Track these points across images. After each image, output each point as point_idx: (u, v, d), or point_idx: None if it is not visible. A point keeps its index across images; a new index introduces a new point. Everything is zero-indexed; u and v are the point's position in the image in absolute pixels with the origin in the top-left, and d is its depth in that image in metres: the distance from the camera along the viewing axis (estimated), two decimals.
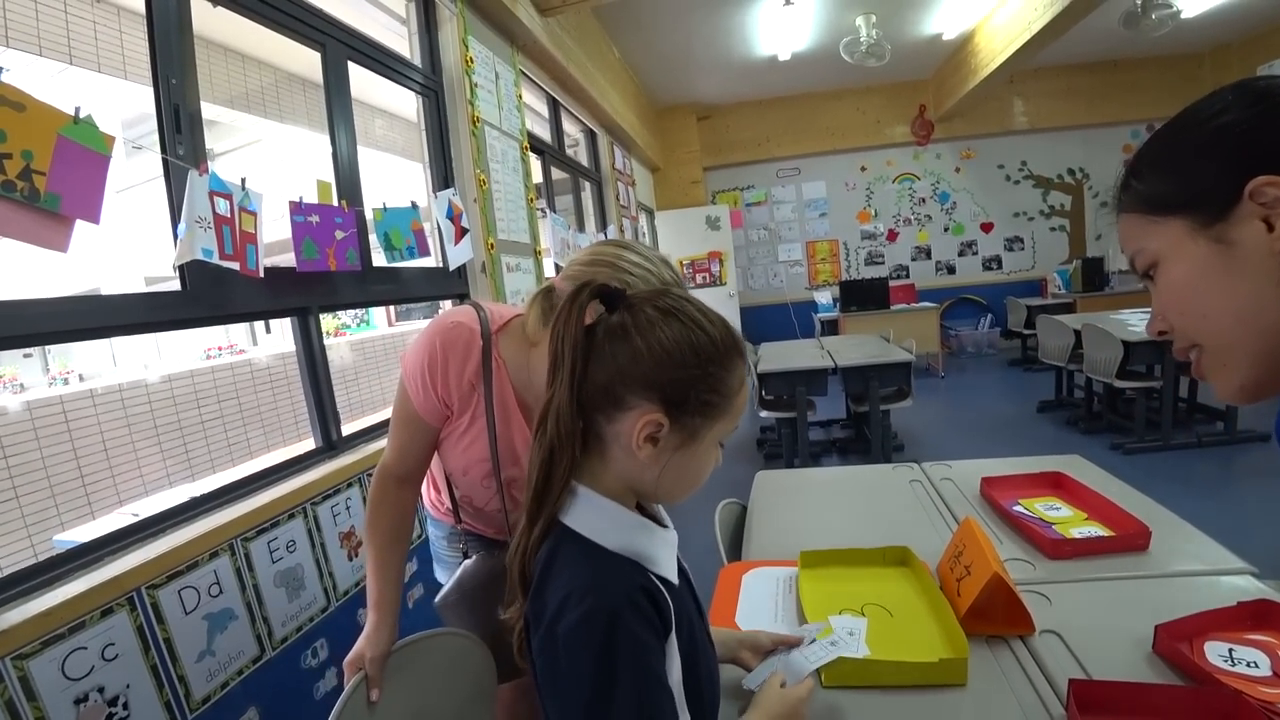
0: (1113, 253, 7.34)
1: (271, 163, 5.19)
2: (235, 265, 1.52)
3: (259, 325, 9.98)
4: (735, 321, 7.33)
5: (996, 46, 5.30)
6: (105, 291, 1.48)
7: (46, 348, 11.74)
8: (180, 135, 1.55)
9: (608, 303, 0.70)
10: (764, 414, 4.11)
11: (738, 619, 1.09)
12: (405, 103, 2.79)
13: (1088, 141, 7.35)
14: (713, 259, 7.39)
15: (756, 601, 1.14)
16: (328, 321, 9.59)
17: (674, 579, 0.70)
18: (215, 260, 1.46)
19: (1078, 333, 4.22)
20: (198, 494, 1.54)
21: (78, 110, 1.23)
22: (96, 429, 2.91)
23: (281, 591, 1.55)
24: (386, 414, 1.28)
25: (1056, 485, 1.49)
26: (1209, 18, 5.70)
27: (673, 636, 0.66)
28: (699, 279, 7.38)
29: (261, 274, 1.61)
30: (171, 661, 1.27)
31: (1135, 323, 4.08)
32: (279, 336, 9.80)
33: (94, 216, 1.26)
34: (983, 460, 1.73)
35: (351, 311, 9.36)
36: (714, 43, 5.50)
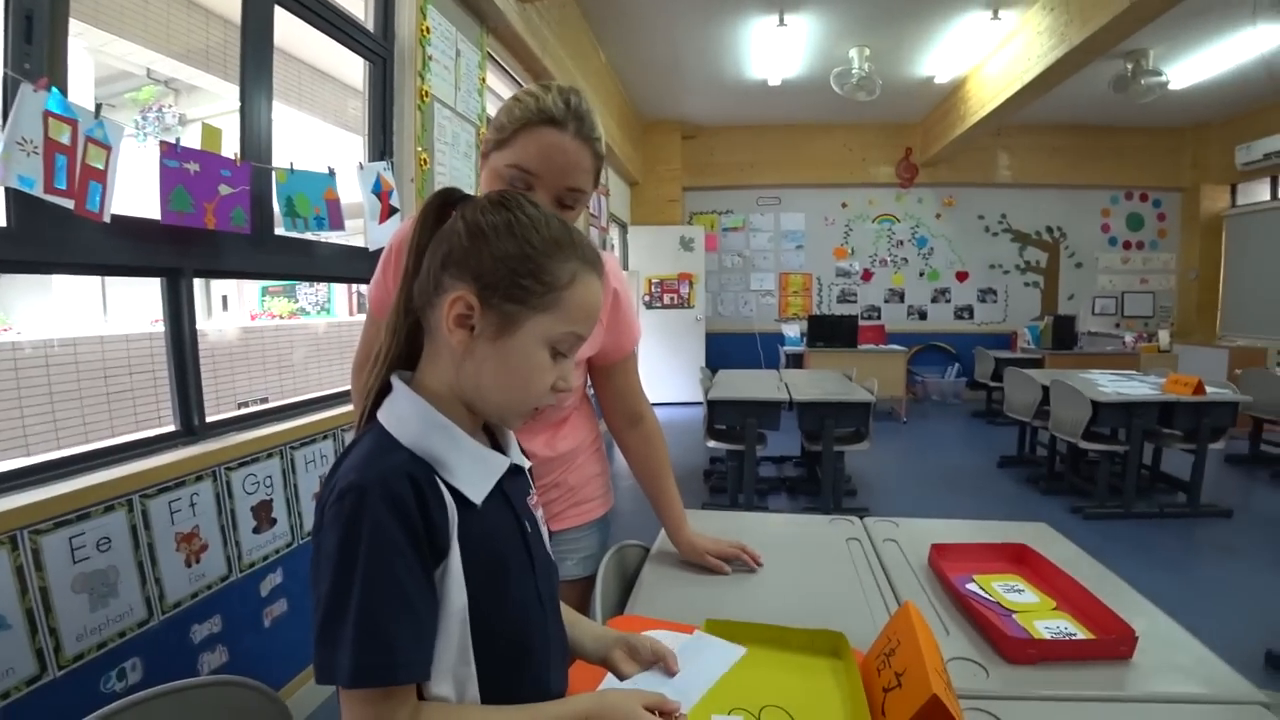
0: (1084, 313, 7.34)
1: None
2: (68, 203, 1.28)
3: (215, 290, 9.58)
4: (700, 348, 7.19)
5: (987, 95, 5.26)
6: None
7: None
8: (29, 46, 1.31)
9: (456, 206, 0.67)
10: (711, 444, 3.90)
11: (601, 688, 0.84)
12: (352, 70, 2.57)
13: (1068, 201, 7.36)
14: (683, 280, 7.25)
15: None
16: (282, 304, 9.23)
17: (474, 498, 0.63)
18: (37, 192, 1.22)
19: (1046, 389, 4.10)
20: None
21: None
22: None
23: (82, 599, 1.29)
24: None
25: (1019, 560, 1.24)
26: (1195, 93, 5.74)
27: (454, 557, 0.59)
28: (667, 299, 7.23)
29: (107, 219, 1.36)
30: None
31: (1105, 383, 3.96)
32: (235, 311, 9.41)
33: None
34: (934, 521, 1.50)
35: (314, 300, 9.02)
36: (705, 59, 5.38)
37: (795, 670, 0.89)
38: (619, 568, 1.27)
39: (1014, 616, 1.04)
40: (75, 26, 1.43)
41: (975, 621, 1.02)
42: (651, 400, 1.27)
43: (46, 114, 1.24)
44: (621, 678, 0.77)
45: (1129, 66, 4.96)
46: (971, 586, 1.14)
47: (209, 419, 1.75)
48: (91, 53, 3.57)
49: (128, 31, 3.59)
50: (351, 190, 2.21)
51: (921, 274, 7.66)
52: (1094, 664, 0.92)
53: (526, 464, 0.76)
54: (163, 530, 1.46)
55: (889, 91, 5.44)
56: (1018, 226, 7.48)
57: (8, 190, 1.24)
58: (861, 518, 1.51)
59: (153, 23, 3.69)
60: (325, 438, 2.05)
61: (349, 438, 0.67)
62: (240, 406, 2.06)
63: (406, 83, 2.53)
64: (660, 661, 0.79)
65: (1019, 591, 1.13)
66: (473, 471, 0.64)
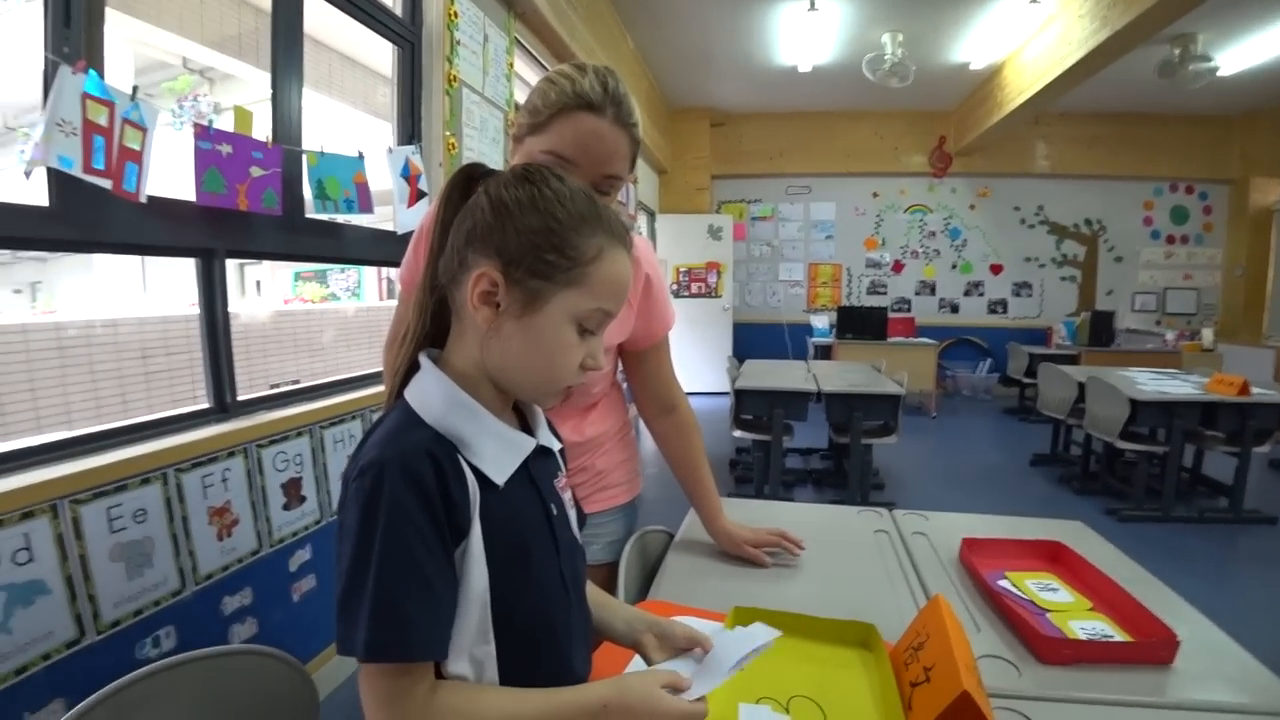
0: (1123, 309, 7.13)
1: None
2: (106, 183, 1.31)
3: (249, 275, 9.79)
4: (727, 338, 7.14)
5: (1025, 81, 5.11)
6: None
7: (36, 284, 11.60)
8: (69, 30, 1.34)
9: (481, 181, 0.66)
10: (738, 434, 3.89)
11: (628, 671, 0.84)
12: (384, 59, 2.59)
13: (1108, 193, 7.14)
14: (710, 269, 7.19)
15: None
16: (314, 289, 9.41)
17: (496, 478, 0.62)
18: (76, 172, 1.25)
19: (1081, 385, 4.00)
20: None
21: None
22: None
23: (119, 567, 1.33)
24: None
25: (1054, 558, 1.20)
26: (1245, 80, 5.51)
27: (475, 536, 0.59)
28: (694, 288, 7.18)
29: (143, 199, 1.40)
30: None
31: (1145, 381, 3.84)
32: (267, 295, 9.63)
33: None
34: (966, 515, 1.45)
35: (344, 285, 9.17)
36: (734, 45, 5.31)
37: (824, 661, 0.88)
38: (641, 554, 1.26)
39: (1048, 616, 1.00)
40: (113, 17, 1.46)
41: (1007, 619, 0.99)
42: None
43: (85, 96, 1.27)
44: (650, 664, 0.74)
45: (1175, 52, 4.78)
46: (1004, 583, 1.11)
47: (241, 398, 1.79)
48: (131, 44, 3.65)
49: (164, 20, 3.66)
50: (381, 176, 2.23)
51: (954, 266, 7.50)
52: (1131, 668, 0.88)
53: (557, 445, 0.75)
54: (196, 504, 1.50)
55: (922, 78, 5.32)
56: (1055, 219, 7.27)
57: (49, 171, 1.28)
58: (890, 510, 1.48)
59: (187, 11, 3.76)
60: (354, 418, 2.08)
61: (377, 417, 0.67)
62: (272, 388, 2.10)
63: (434, 67, 2.55)
64: (694, 648, 0.74)
65: (1054, 590, 1.09)
66: (496, 451, 0.63)
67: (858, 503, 3.54)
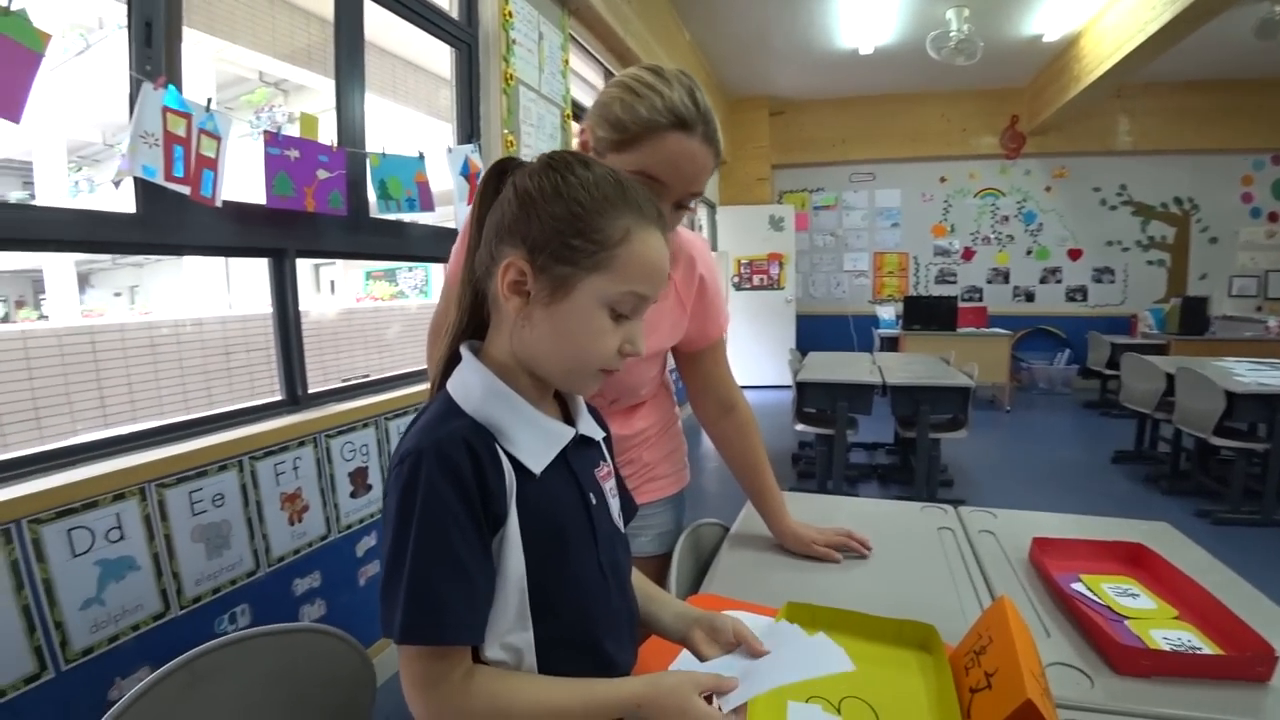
0: (1219, 295, 6.64)
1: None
2: (185, 189, 1.40)
3: (324, 276, 10.26)
4: (790, 330, 7.03)
5: (1104, 51, 4.80)
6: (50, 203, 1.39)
7: (135, 288, 12.47)
8: (150, 50, 1.43)
9: (510, 174, 0.67)
10: (800, 427, 3.82)
11: (673, 668, 0.80)
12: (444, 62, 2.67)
13: (1199, 169, 6.64)
14: (773, 261, 7.08)
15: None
16: (383, 288, 9.76)
17: (534, 468, 0.63)
18: (159, 180, 1.34)
19: (1170, 377, 3.74)
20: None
21: (9, 2, 1.13)
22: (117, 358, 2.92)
23: (200, 547, 1.42)
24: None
25: (1134, 561, 1.10)
26: None
27: (512, 525, 0.60)
28: (756, 280, 7.09)
29: (219, 204, 1.48)
30: (49, 605, 1.16)
31: (1243, 372, 3.55)
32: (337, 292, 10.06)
33: (14, 115, 1.15)
34: (1037, 513, 1.37)
35: (412, 283, 9.48)
36: (792, 31, 5.21)
37: (879, 661, 0.83)
38: (694, 547, 1.26)
39: (1126, 623, 0.92)
40: (195, 36, 1.56)
41: (1080, 625, 0.92)
42: (739, 384, 1.23)
43: (165, 109, 1.36)
44: (702, 659, 0.72)
45: (1276, 9, 4.40)
46: (1078, 586, 1.03)
47: (311, 390, 1.88)
48: (213, 60, 3.90)
49: (239, 37, 3.88)
50: (443, 176, 2.30)
51: (1029, 252, 7.15)
52: (1221, 684, 0.80)
53: (599, 434, 0.75)
54: (269, 490, 1.59)
55: (991, 54, 5.09)
56: (1140, 198, 6.82)
57: (135, 180, 1.38)
58: (956, 507, 1.42)
59: (260, 27, 3.96)
60: (417, 410, 2.15)
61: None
62: (344, 382, 2.19)
63: (491, 67, 2.60)
64: (743, 645, 0.72)
65: (1133, 596, 1.00)
66: (533, 441, 0.64)
67: (925, 498, 3.45)
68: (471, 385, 0.64)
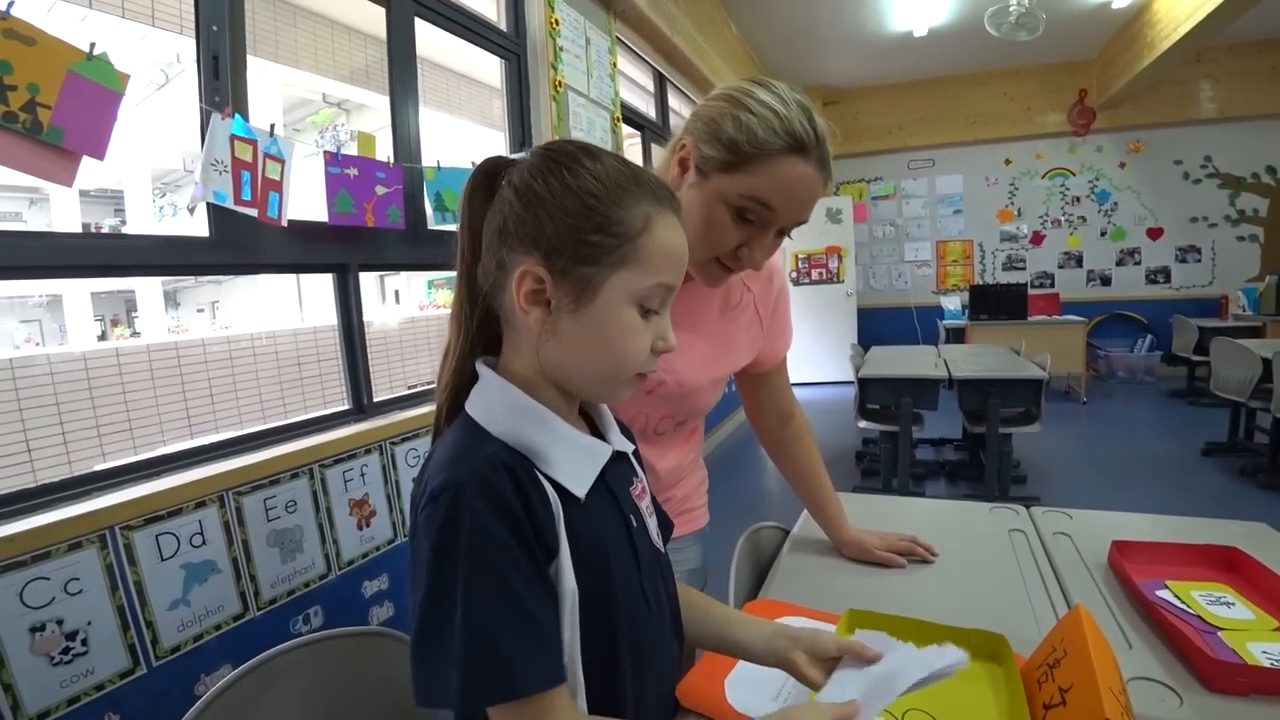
0: None
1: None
2: (253, 212, 1.47)
3: (388, 285, 10.65)
4: (851, 324, 6.88)
5: (1180, 14, 4.48)
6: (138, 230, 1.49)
7: (215, 304, 13.18)
8: (217, 82, 1.52)
9: (502, 174, 0.61)
10: (863, 424, 3.74)
11: (727, 681, 0.81)
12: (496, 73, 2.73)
13: None
14: (831, 254, 6.95)
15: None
16: (446, 295, 10.02)
17: (577, 491, 0.58)
18: (229, 204, 1.42)
19: (1267, 362, 3.49)
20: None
21: (92, 46, 1.21)
22: (200, 371, 3.11)
23: (275, 552, 1.50)
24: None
25: (1229, 566, 1.02)
26: None
27: (564, 555, 0.54)
28: (815, 274, 6.97)
29: (285, 223, 1.56)
30: (140, 605, 1.24)
31: None
32: (406, 303, 10.41)
33: (99, 152, 1.24)
34: (1117, 514, 1.28)
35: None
36: (842, 18, 5.10)
37: None
38: (753, 551, 1.24)
39: (1219, 634, 0.85)
40: (260, 64, 1.64)
41: (1167, 636, 0.86)
42: (797, 381, 1.21)
43: (232, 137, 1.44)
44: (815, 687, 0.65)
45: None
46: (1163, 594, 0.96)
47: (377, 398, 1.95)
48: (279, 85, 4.12)
49: (302, 62, 4.06)
50: None
51: (1103, 234, 6.78)
52: None
53: (630, 447, 0.69)
54: (338, 496, 1.66)
55: (1054, 26, 4.82)
56: (1227, 170, 6.36)
57: (207, 205, 1.46)
58: (1028, 507, 1.35)
59: (321, 51, 4.15)
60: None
61: (431, 437, 0.66)
62: (410, 389, 2.27)
63: (540, 75, 2.64)
64: (848, 654, 0.65)
65: (1228, 605, 0.93)
66: (573, 461, 0.59)
67: (995, 497, 3.34)
68: (496, 405, 0.58)
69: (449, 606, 0.50)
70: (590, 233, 0.55)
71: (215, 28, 1.52)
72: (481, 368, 0.61)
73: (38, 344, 10.29)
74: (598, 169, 0.57)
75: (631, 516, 0.65)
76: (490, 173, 0.61)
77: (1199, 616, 0.89)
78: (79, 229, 8.35)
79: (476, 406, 0.59)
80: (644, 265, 0.57)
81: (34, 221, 9.61)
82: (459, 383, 0.62)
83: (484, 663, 0.49)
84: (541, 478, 0.56)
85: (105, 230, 9.38)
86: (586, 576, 0.57)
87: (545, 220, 0.56)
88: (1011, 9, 4.37)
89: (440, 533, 0.51)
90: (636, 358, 0.59)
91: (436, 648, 0.50)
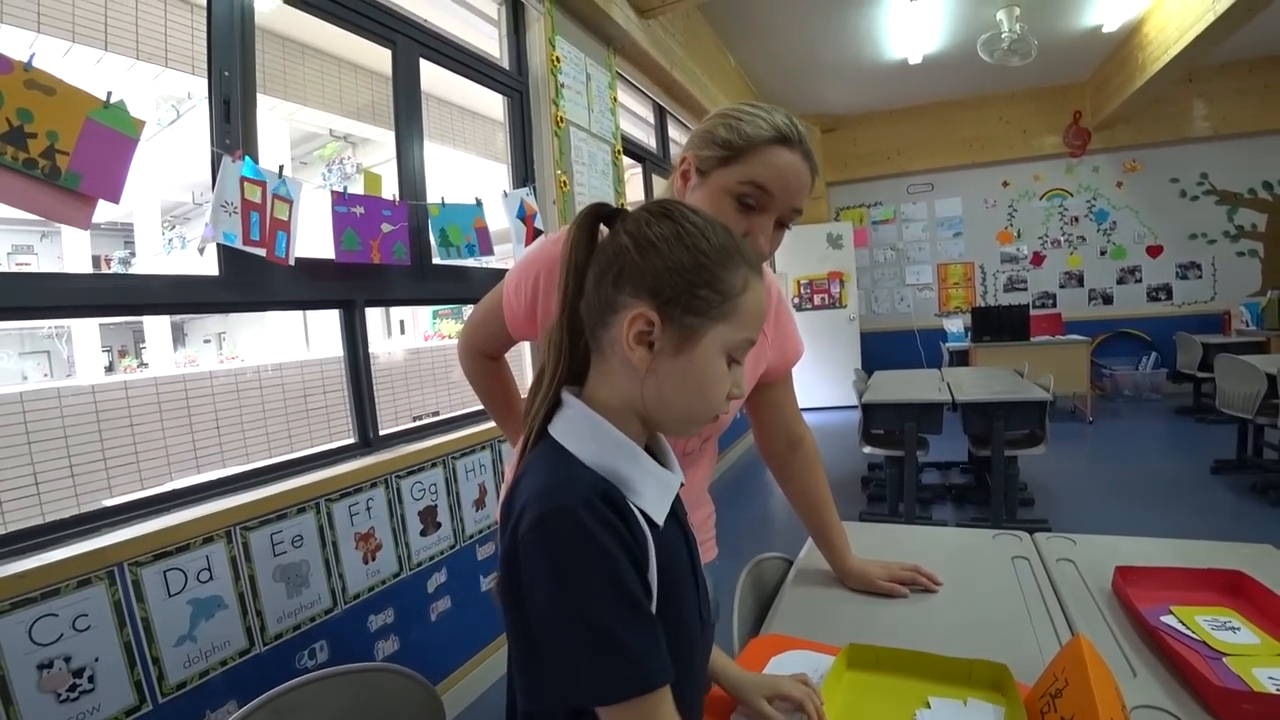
0: None
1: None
2: (261, 251, 1.51)
3: (394, 315, 10.72)
4: (855, 349, 6.90)
5: (1170, 35, 4.55)
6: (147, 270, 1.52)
7: (222, 335, 13.24)
8: (229, 125, 1.56)
9: (608, 221, 0.67)
10: (868, 450, 3.72)
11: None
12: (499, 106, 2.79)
13: None
14: (833, 279, 6.98)
15: None
16: (450, 325, 10.08)
17: (658, 519, 0.62)
18: (238, 245, 1.45)
19: (1271, 378, 3.48)
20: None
21: (109, 95, 1.26)
22: (207, 405, 3.14)
23: (281, 587, 1.50)
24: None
25: (1234, 590, 1.00)
26: None
27: (652, 574, 0.59)
28: (817, 300, 6.99)
29: (292, 262, 1.59)
30: (147, 641, 1.25)
31: None
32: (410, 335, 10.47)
33: (114, 196, 1.27)
34: (1122, 538, 1.28)
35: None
36: (838, 47, 5.19)
37: (947, 708, 0.80)
38: (756, 583, 1.23)
39: (1225, 660, 0.84)
40: (269, 101, 1.69)
41: (1171, 663, 0.85)
42: (803, 406, 1.20)
43: (242, 179, 1.48)
44: None
45: None
46: (1168, 620, 0.94)
47: (383, 432, 1.97)
48: (286, 120, 4.21)
49: (310, 99, 4.16)
50: (501, 217, 2.39)
51: (1103, 252, 6.80)
52: None
53: (681, 478, 0.73)
54: (344, 530, 1.67)
55: (1047, 51, 4.92)
56: (1224, 186, 6.40)
57: (218, 245, 1.50)
58: (1032, 533, 1.34)
59: (328, 88, 4.25)
60: (483, 448, 2.22)
61: (505, 449, 0.71)
62: (415, 419, 2.29)
63: (542, 111, 2.70)
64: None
65: (1233, 630, 0.91)
66: (654, 491, 0.63)
67: (1002, 520, 3.32)
68: (585, 435, 0.62)
69: (573, 615, 0.53)
70: (700, 287, 0.61)
71: (227, 73, 1.57)
72: (568, 396, 0.65)
73: (46, 374, 10.36)
74: (704, 226, 0.63)
75: (693, 542, 0.71)
76: (597, 217, 0.66)
77: (1204, 642, 0.88)
78: (89, 261, 8.46)
79: (566, 435, 0.63)
80: (739, 321, 0.63)
81: (45, 254, 9.74)
82: (552, 409, 0.66)
83: (614, 662, 0.53)
84: (633, 506, 0.60)
85: (115, 262, 9.51)
86: (662, 598, 0.60)
87: (661, 269, 0.61)
88: (1004, 36, 4.45)
89: (559, 551, 0.54)
90: (719, 403, 0.65)
91: (559, 651, 0.54)
